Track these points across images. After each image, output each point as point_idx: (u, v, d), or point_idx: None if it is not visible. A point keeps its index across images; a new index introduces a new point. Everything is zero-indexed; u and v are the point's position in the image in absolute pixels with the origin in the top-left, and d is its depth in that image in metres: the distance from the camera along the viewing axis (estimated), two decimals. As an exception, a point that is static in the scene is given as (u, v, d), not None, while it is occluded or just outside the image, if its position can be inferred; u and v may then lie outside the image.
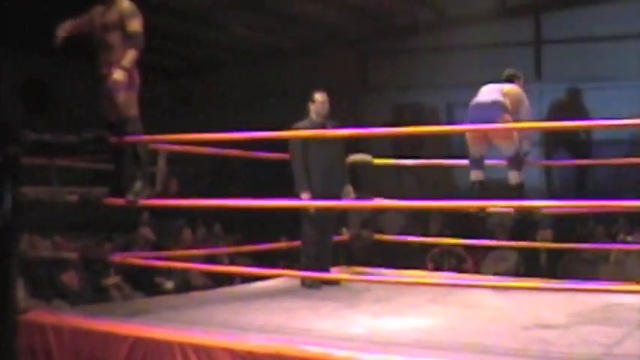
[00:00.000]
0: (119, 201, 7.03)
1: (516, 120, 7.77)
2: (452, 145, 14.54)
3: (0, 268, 6.47)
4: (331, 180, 8.36)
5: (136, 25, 7.01)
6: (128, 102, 7.02)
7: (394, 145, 14.80)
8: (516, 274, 11.62)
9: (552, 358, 5.20)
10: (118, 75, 6.83)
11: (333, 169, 8.42)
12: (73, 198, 7.01)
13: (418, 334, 5.87)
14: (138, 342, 5.72)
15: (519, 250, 12.01)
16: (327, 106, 8.45)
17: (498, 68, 15.39)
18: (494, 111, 7.64)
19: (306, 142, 8.24)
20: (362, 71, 17.61)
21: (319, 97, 8.44)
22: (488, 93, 7.88)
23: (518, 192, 7.88)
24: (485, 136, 7.87)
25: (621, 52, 14.88)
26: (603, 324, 6.30)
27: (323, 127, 8.32)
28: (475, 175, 8.04)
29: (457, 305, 7.23)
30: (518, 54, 15.94)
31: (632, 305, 6.97)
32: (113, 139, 7.01)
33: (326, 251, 8.50)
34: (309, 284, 8.22)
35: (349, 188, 8.60)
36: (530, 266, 11.95)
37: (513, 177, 7.93)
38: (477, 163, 8.05)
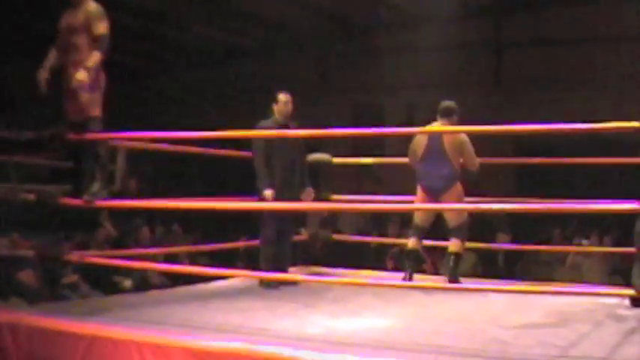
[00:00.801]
0: (76, 201, 6.99)
1: (463, 166, 8.14)
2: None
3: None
4: (291, 180, 8.44)
5: (101, 27, 7.04)
6: (91, 102, 7.01)
7: (354, 147, 14.82)
8: (474, 275, 11.67)
9: (505, 358, 5.24)
10: (80, 75, 6.81)
11: (294, 169, 8.50)
12: (30, 196, 6.95)
13: (375, 334, 5.91)
14: (95, 341, 5.71)
15: (477, 251, 12.07)
16: (290, 106, 8.53)
17: (458, 69, 15.64)
18: (445, 183, 8.00)
19: (268, 141, 8.27)
20: (322, 71, 17.62)
21: (283, 97, 8.50)
22: (434, 160, 8.04)
23: (454, 260, 8.04)
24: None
25: (582, 55, 14.98)
26: (559, 326, 6.37)
27: (286, 127, 8.38)
28: (413, 243, 8.23)
29: (415, 306, 7.28)
30: (478, 55, 16.06)
31: (587, 307, 7.07)
32: (73, 138, 6.97)
33: (284, 251, 8.52)
34: (266, 284, 8.23)
35: (309, 190, 8.66)
36: (488, 267, 12.01)
37: (454, 246, 8.17)
38: (420, 232, 8.25)
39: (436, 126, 8.22)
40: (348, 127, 14.74)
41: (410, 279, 8.06)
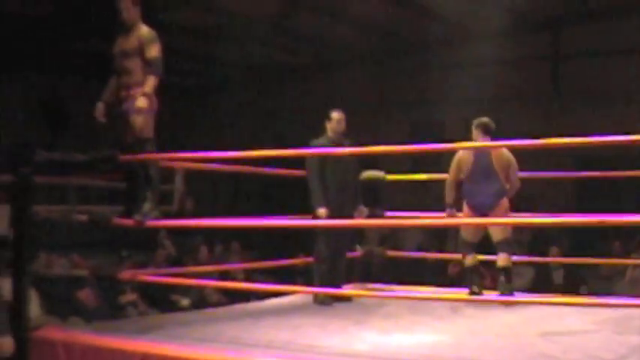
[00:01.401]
0: (127, 222, 7.10)
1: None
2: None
3: (13, 285, 6.60)
4: (345, 197, 8.46)
5: (154, 51, 7.15)
6: (145, 125, 7.12)
7: (414, 162, 14.86)
8: (532, 290, 11.60)
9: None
10: (141, 102, 6.94)
11: (348, 186, 8.54)
12: (83, 218, 7.09)
13: (423, 349, 5.93)
14: (146, 358, 5.80)
15: (535, 266, 12.01)
16: (343, 124, 8.58)
17: (516, 83, 15.58)
18: (493, 200, 8.06)
19: (322, 159, 8.34)
20: (380, 88, 17.66)
21: (336, 115, 8.56)
22: (483, 177, 8.13)
23: (505, 275, 8.02)
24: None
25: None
26: (610, 340, 6.33)
27: (339, 145, 8.38)
28: (471, 260, 8.33)
29: (466, 321, 7.29)
30: (536, 68, 15.98)
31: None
32: (124, 159, 7.09)
33: (339, 268, 8.55)
34: (320, 301, 8.28)
35: (361, 208, 8.70)
36: (546, 282, 11.92)
37: (503, 260, 8.16)
38: (472, 248, 8.33)
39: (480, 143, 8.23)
40: (407, 143, 14.80)
41: (479, 293, 8.08)
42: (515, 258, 11.63)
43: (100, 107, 7.19)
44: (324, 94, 16.02)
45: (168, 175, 13.53)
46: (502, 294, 7.97)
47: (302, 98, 17.25)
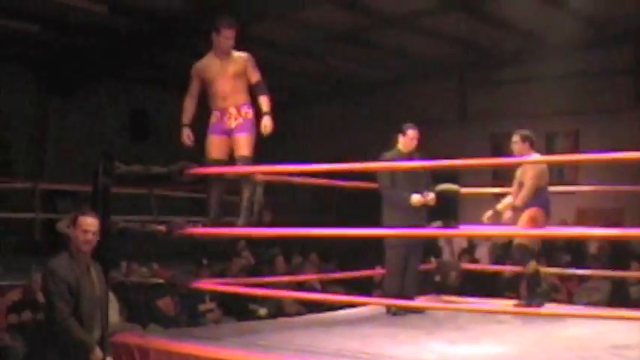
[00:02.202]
0: (200, 231, 7.34)
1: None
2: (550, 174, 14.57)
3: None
4: (416, 212, 8.45)
5: (257, 73, 7.53)
6: (248, 143, 7.45)
7: (494, 175, 14.88)
8: (609, 304, 11.53)
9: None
10: (267, 121, 7.43)
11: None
12: (161, 228, 7.32)
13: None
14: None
15: (613, 281, 11.94)
16: (416, 141, 8.65)
17: (597, 96, 15.49)
18: None
19: (393, 172, 8.44)
20: (461, 101, 17.71)
21: (411, 133, 8.62)
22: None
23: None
24: None
25: None
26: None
27: (410, 158, 8.49)
28: (532, 266, 8.45)
29: (536, 333, 7.32)
30: (617, 81, 15.86)
31: None
32: (200, 172, 7.31)
33: (411, 279, 8.61)
34: (393, 312, 8.39)
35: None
36: (624, 297, 11.83)
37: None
38: (533, 255, 8.54)
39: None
40: (488, 156, 14.83)
41: (539, 304, 8.14)
42: (592, 272, 11.75)
43: (187, 132, 7.44)
44: (405, 107, 16.12)
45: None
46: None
47: (383, 112, 17.35)
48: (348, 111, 18.49)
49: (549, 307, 8.52)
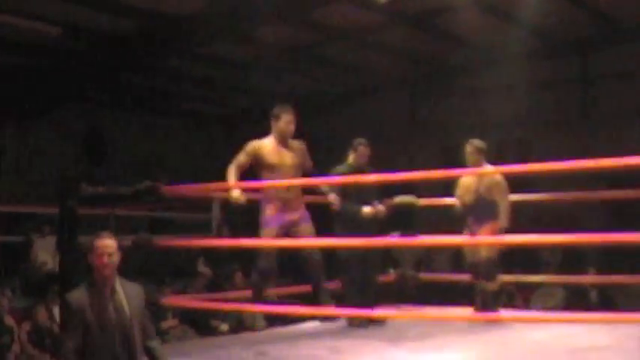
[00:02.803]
0: (168, 243, 7.46)
1: None
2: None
3: (60, 313, 6.94)
4: (367, 224, 8.48)
5: (311, 161, 8.09)
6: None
7: (446, 187, 15.05)
8: (565, 309, 11.79)
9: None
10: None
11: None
12: (127, 243, 7.42)
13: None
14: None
15: (567, 286, 12.20)
16: (367, 156, 8.79)
17: (545, 106, 15.75)
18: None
19: (343, 187, 8.50)
20: (412, 114, 17.92)
21: (362, 149, 8.77)
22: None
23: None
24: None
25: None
26: (634, 356, 6.54)
27: (361, 172, 8.55)
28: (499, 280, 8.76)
29: (496, 340, 7.52)
30: (565, 92, 16.15)
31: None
32: (166, 191, 7.43)
33: (370, 291, 8.69)
34: (355, 324, 8.51)
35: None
36: (582, 301, 12.09)
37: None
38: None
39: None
40: (440, 167, 15.01)
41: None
42: (546, 278, 12.00)
43: (241, 197, 7.54)
44: (355, 121, 16.30)
45: (206, 204, 13.97)
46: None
47: (336, 125, 17.49)
48: (302, 126, 18.62)
49: (509, 313, 8.73)
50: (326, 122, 17.81)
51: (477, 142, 8.86)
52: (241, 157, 7.78)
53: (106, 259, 5.35)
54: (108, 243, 5.42)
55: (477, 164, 8.69)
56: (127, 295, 5.42)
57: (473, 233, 8.81)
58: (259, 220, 7.78)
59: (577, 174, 11.67)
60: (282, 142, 7.88)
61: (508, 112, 15.92)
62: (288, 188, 7.69)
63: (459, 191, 9.14)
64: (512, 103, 15.73)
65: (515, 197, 12.66)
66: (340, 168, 8.67)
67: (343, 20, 13.64)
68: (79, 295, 5.25)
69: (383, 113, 17.40)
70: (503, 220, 8.61)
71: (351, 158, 8.79)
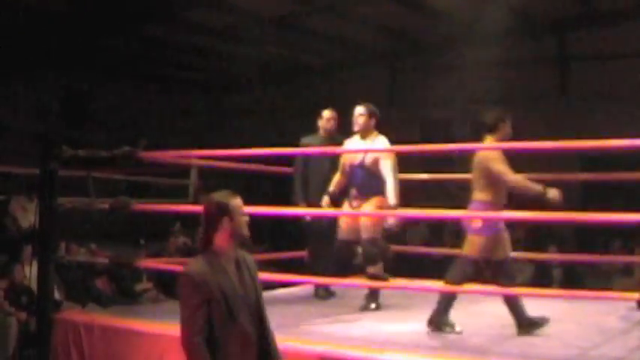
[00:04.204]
0: (146, 207, 7.62)
1: None
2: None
3: (38, 272, 7.15)
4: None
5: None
6: None
7: (424, 162, 15.20)
8: (532, 285, 12.02)
9: (529, 357, 5.72)
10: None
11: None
12: (105, 206, 7.58)
13: (412, 336, 6.44)
14: (156, 339, 6.36)
15: (535, 262, 12.45)
16: (333, 122, 8.81)
17: (522, 84, 15.94)
18: None
19: (306, 158, 8.64)
20: (390, 88, 18.08)
21: (327, 113, 8.82)
22: None
23: None
24: None
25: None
26: (590, 330, 6.81)
27: (329, 142, 8.62)
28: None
29: (461, 312, 7.71)
30: (543, 70, 16.35)
31: (621, 315, 7.48)
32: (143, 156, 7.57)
33: (329, 261, 8.55)
34: (320, 295, 8.71)
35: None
36: (546, 278, 12.34)
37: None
38: None
39: None
40: (417, 142, 15.16)
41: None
42: (514, 255, 12.23)
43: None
44: (334, 93, 16.42)
45: (184, 170, 14.13)
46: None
47: (312, 97, 17.62)
48: (281, 96, 18.74)
49: (476, 287, 8.94)
50: (306, 93, 17.94)
51: (370, 106, 8.32)
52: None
53: (246, 219, 4.63)
54: (241, 202, 4.66)
55: (366, 129, 8.15)
56: (248, 265, 4.66)
57: (353, 208, 8.06)
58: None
59: (553, 155, 11.93)
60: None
61: (486, 90, 16.11)
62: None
63: (342, 159, 8.30)
64: (490, 80, 15.90)
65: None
66: (308, 138, 8.77)
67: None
68: (200, 268, 4.45)
69: (362, 86, 17.51)
70: (392, 197, 7.78)
71: (320, 127, 8.84)
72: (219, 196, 4.60)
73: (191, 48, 16.14)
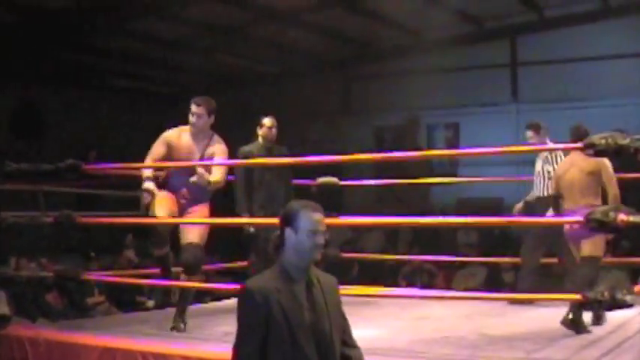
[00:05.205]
0: (91, 221, 7.55)
1: None
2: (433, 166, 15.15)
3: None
4: (274, 203, 8.27)
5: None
6: None
7: (378, 168, 15.24)
8: (485, 289, 12.08)
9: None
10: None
11: (278, 192, 8.53)
12: (49, 220, 7.51)
13: (360, 342, 6.39)
14: (105, 352, 6.29)
15: (488, 266, 12.51)
16: (274, 131, 8.69)
17: (477, 90, 16.07)
18: None
19: (249, 167, 8.45)
20: (344, 95, 18.11)
21: (267, 121, 8.69)
22: None
23: None
24: None
25: (596, 72, 15.30)
26: (536, 333, 6.85)
27: (269, 150, 8.55)
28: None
29: (410, 317, 7.78)
30: (495, 76, 16.48)
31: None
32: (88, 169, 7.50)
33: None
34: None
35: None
36: (498, 282, 12.41)
37: None
38: None
39: None
40: (371, 149, 15.21)
41: None
42: (467, 259, 12.34)
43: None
44: (289, 101, 16.41)
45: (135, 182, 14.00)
46: None
47: (268, 106, 17.55)
48: (234, 105, 18.70)
49: (426, 291, 8.98)
50: (260, 103, 17.92)
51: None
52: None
53: (322, 239, 3.99)
54: (322, 218, 4.03)
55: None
56: (323, 288, 4.02)
57: (182, 210, 7.54)
58: None
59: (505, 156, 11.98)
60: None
61: (439, 95, 16.23)
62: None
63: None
64: (443, 86, 16.02)
65: (441, 180, 13.14)
66: (247, 147, 8.61)
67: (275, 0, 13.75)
68: (264, 284, 3.89)
69: (316, 94, 17.53)
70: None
71: (259, 136, 8.72)
72: (295, 204, 4.04)
73: (144, 59, 16.07)
